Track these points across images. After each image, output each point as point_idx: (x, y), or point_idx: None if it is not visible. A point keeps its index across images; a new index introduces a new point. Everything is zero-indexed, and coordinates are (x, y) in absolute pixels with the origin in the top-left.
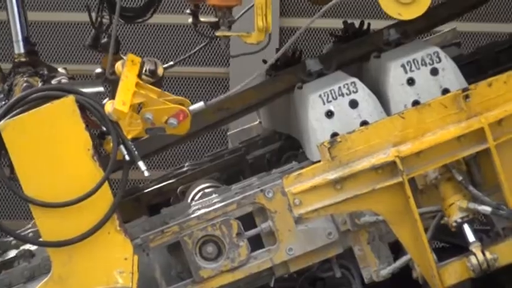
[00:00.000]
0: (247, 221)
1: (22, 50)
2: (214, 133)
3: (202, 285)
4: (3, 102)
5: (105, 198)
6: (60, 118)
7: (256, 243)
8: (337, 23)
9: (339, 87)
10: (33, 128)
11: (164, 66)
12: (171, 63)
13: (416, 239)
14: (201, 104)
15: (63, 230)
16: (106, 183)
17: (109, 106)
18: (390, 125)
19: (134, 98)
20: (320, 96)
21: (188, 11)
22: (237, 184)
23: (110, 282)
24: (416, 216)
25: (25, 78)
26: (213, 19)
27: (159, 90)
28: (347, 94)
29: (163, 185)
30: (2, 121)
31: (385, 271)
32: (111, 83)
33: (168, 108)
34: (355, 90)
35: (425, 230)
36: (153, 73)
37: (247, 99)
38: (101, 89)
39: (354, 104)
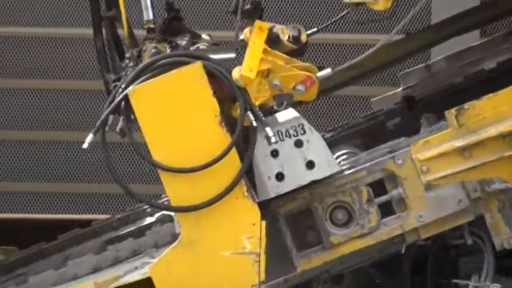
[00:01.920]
0: (377, 188)
1: (151, 17)
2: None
3: (332, 251)
4: (132, 68)
5: (232, 164)
6: (188, 84)
7: (385, 210)
8: None
9: (286, 129)
10: (161, 94)
11: (307, 32)
12: (314, 29)
13: None
14: (328, 70)
15: (192, 195)
16: (234, 149)
17: (236, 72)
18: None
19: (261, 65)
20: (266, 137)
21: None
22: (370, 151)
23: (238, 247)
24: None
25: (153, 45)
26: None
27: (287, 56)
28: (294, 135)
29: None
30: (131, 86)
31: None
32: None
33: (296, 74)
34: (302, 132)
35: None
36: (296, 39)
37: (379, 58)
38: (232, 55)
39: (299, 144)
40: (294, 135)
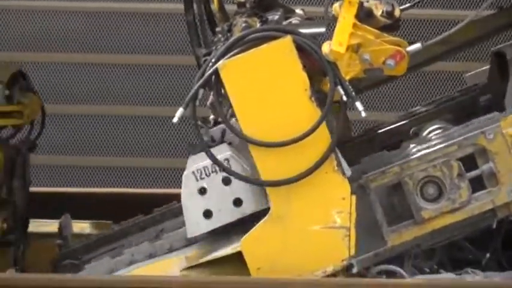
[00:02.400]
0: (468, 163)
1: None
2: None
3: (423, 226)
4: (222, 43)
5: (322, 138)
6: (278, 58)
7: (476, 185)
8: None
9: (212, 164)
10: (250, 68)
11: (401, 7)
12: (408, 5)
13: None
14: (418, 45)
15: (281, 169)
16: (324, 124)
17: (326, 47)
18: None
19: (351, 39)
20: (193, 173)
21: None
22: (461, 126)
23: (328, 221)
24: None
25: (244, 19)
26: None
27: (377, 31)
28: (220, 171)
29: (396, 126)
30: (221, 61)
31: None
32: None
33: (386, 49)
34: (228, 167)
35: None
36: (390, 14)
37: (469, 34)
38: (322, 30)
39: (227, 181)
40: (222, 171)
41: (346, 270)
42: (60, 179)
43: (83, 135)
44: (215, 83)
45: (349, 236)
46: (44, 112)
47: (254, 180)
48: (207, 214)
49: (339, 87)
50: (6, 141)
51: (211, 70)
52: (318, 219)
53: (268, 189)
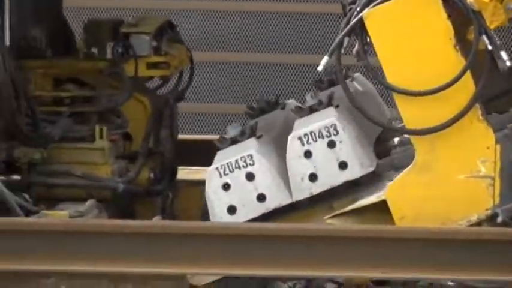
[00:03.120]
0: None
1: None
2: None
3: None
4: None
5: (467, 87)
6: (423, 7)
7: None
8: None
9: (236, 160)
10: (395, 17)
11: None
12: None
13: None
14: None
15: (426, 118)
16: (468, 73)
17: None
18: None
19: None
20: (217, 169)
21: None
22: None
23: (473, 170)
24: None
25: None
26: None
27: None
28: (244, 167)
29: None
30: (366, 9)
31: None
32: None
33: None
34: (251, 163)
35: None
36: None
37: None
38: None
39: (250, 176)
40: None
41: (490, 219)
42: (208, 126)
43: (229, 82)
44: (360, 31)
45: (494, 185)
46: (192, 63)
47: (398, 129)
48: (231, 209)
49: (484, 37)
50: (154, 92)
51: (356, 19)
52: (462, 168)
53: (413, 138)
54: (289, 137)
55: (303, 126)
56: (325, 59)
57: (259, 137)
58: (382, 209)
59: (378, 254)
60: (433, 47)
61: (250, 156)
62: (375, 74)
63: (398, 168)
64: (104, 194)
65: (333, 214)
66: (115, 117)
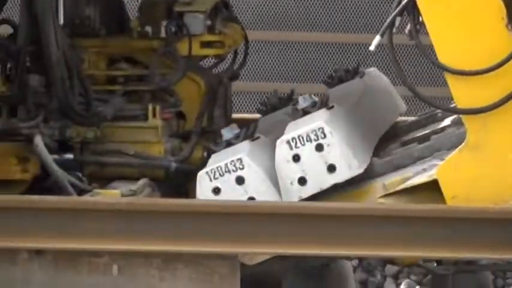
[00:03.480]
0: None
1: None
2: None
3: None
4: None
5: None
6: None
7: None
8: None
9: (226, 164)
10: None
11: None
12: None
13: None
14: None
15: (477, 98)
16: None
17: None
18: None
19: None
20: (207, 173)
21: None
22: None
23: None
24: None
25: None
26: None
27: None
28: (233, 171)
29: None
30: None
31: None
32: None
33: None
34: (241, 166)
35: None
36: None
37: None
38: None
39: (240, 180)
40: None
41: None
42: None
43: (283, 61)
44: (412, 10)
45: None
46: (247, 42)
47: (450, 108)
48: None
49: None
50: (208, 70)
51: None
52: None
53: (465, 118)
54: (278, 141)
55: (293, 129)
56: (377, 38)
57: (254, 139)
58: (433, 188)
59: (429, 233)
60: (484, 26)
61: (240, 160)
62: (426, 52)
63: (451, 148)
64: (156, 173)
65: (384, 193)
66: (168, 96)
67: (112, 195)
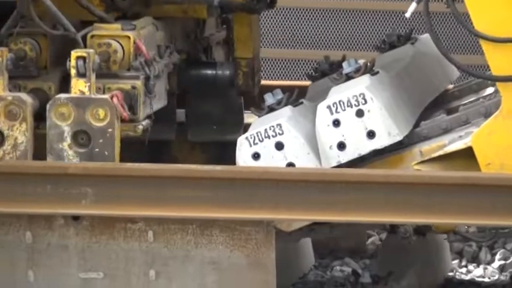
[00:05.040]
0: None
1: None
2: None
3: None
4: None
5: None
6: None
7: None
8: None
9: (265, 130)
10: None
11: None
12: None
13: None
14: None
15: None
16: None
17: None
18: None
19: None
20: (247, 138)
21: None
22: None
23: None
24: None
25: None
26: None
27: None
28: (273, 136)
29: None
30: None
31: None
32: None
33: None
34: (281, 132)
35: None
36: None
37: None
38: None
39: (279, 146)
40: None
41: None
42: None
43: (308, 28)
44: None
45: None
46: None
47: (485, 76)
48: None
49: None
50: None
51: None
52: None
53: (499, 86)
54: (319, 106)
55: (335, 94)
56: (413, 5)
57: (297, 105)
58: (469, 155)
59: (463, 200)
60: None
61: (279, 125)
62: (461, 20)
63: (488, 116)
64: (198, 9)
65: (420, 160)
66: None
67: (112, 29)
